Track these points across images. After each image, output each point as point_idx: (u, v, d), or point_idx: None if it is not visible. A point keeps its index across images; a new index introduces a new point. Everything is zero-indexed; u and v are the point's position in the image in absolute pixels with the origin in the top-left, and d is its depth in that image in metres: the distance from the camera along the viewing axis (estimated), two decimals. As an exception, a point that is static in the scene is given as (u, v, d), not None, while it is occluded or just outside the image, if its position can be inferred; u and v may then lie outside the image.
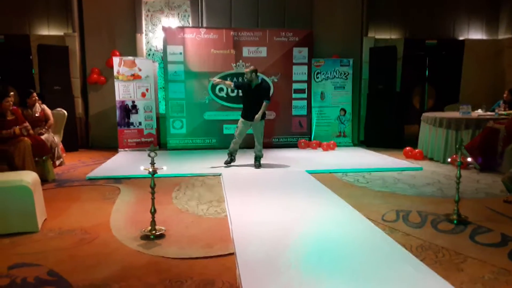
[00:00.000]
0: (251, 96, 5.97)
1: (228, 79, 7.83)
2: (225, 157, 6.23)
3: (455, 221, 3.58)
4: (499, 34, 9.09)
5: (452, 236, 3.28)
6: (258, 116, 5.82)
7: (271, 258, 2.76)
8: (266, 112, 6.12)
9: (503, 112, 6.46)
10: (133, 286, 2.42)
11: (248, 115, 5.96)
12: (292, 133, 8.27)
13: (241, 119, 6.08)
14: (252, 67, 6.00)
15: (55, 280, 2.48)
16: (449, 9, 8.94)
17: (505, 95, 6.88)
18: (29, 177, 3.47)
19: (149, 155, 3.20)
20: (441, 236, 3.28)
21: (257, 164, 6.09)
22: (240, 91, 6.87)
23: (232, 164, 6.20)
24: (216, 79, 6.40)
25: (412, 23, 8.92)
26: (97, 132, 8.39)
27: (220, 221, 3.67)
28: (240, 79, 7.76)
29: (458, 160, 3.63)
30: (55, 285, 2.43)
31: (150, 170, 3.15)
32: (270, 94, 7.09)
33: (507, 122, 5.64)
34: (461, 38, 8.99)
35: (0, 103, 4.97)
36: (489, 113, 6.71)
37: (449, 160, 4.86)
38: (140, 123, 7.82)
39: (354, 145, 8.38)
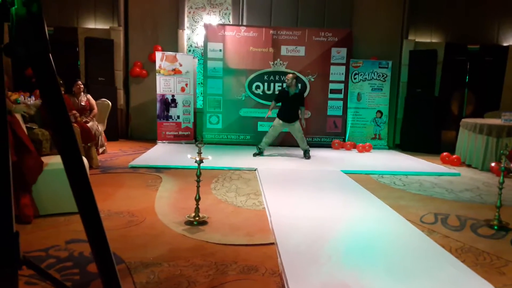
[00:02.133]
0: (289, 103, 6.56)
1: (265, 77, 8.02)
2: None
3: (495, 227, 3.54)
4: (546, 41, 8.80)
5: (493, 241, 3.26)
6: (303, 122, 6.64)
7: (311, 250, 2.84)
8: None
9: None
10: (181, 266, 2.55)
11: (285, 118, 6.57)
12: (326, 133, 8.29)
13: (278, 119, 6.61)
14: (292, 75, 6.59)
15: (109, 256, 2.64)
16: (493, 14, 8.72)
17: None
18: (81, 160, 3.68)
19: (196, 145, 3.33)
20: (481, 240, 3.27)
21: (307, 156, 6.68)
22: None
23: (262, 155, 6.74)
24: (268, 114, 6.85)
25: (454, 27, 8.75)
26: (136, 123, 8.70)
27: (258, 212, 3.77)
28: (275, 85, 8.04)
29: (502, 166, 3.59)
30: (109, 260, 2.59)
31: (197, 159, 3.29)
32: (305, 95, 7.62)
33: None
34: (505, 44, 8.74)
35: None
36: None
37: (492, 164, 4.78)
38: (178, 117, 8.05)
39: (390, 148, 8.32)
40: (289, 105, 6.54)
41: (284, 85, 6.78)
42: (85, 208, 0.82)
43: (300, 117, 6.59)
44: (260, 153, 6.76)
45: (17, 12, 0.67)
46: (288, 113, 6.54)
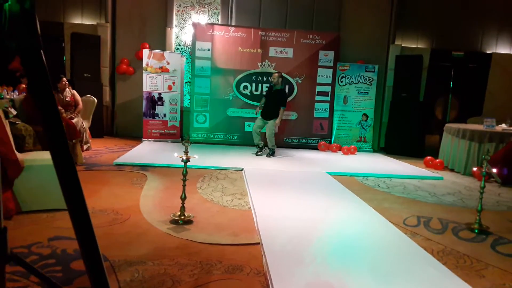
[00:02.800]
0: (270, 99, 6.88)
1: (253, 78, 8.06)
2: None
3: (476, 230, 3.62)
4: (528, 49, 9.02)
5: (473, 244, 3.33)
6: (277, 121, 6.85)
7: (296, 250, 2.86)
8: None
9: (528, 128, 6.43)
10: (166, 265, 2.54)
11: (263, 114, 6.93)
12: (312, 135, 8.34)
13: (259, 117, 6.99)
14: (278, 73, 6.86)
15: (92, 253, 2.62)
16: (478, 22, 8.91)
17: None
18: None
19: (183, 144, 3.33)
20: (462, 243, 3.33)
21: (270, 154, 6.94)
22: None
23: (262, 152, 7.03)
24: (257, 110, 7.12)
25: (440, 33, 8.91)
26: (122, 121, 8.61)
27: (244, 212, 3.78)
28: (262, 86, 8.15)
29: (483, 170, 3.67)
30: (93, 258, 2.56)
31: (184, 158, 3.28)
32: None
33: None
34: (488, 51, 8.94)
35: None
36: (513, 128, 6.69)
37: (474, 169, 4.88)
38: (165, 115, 7.99)
39: (374, 151, 8.41)
40: (271, 102, 6.86)
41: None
42: (74, 204, 0.82)
43: (279, 116, 6.82)
44: (261, 149, 7.00)
45: (10, 8, 0.67)
46: (267, 110, 6.87)
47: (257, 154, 6.94)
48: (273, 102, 6.83)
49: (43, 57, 0.74)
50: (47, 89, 0.75)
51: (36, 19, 0.71)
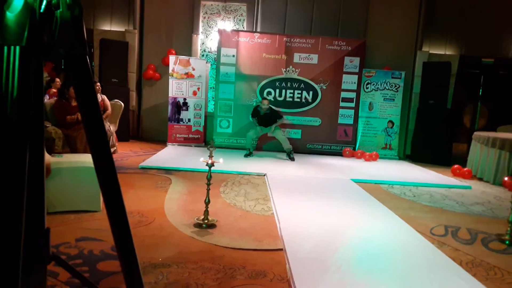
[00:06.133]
0: (263, 120, 7.21)
1: (277, 84, 8.09)
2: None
3: (507, 242, 3.50)
4: (562, 56, 8.72)
5: (504, 256, 3.22)
6: (273, 126, 7.22)
7: (320, 257, 2.83)
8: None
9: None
10: (190, 268, 2.56)
11: (262, 124, 7.29)
12: (336, 141, 8.28)
13: (257, 127, 7.34)
14: (268, 101, 7.17)
15: (118, 255, 2.67)
16: (508, 28, 8.67)
17: None
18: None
19: (208, 149, 3.36)
20: (492, 254, 3.23)
21: (291, 158, 7.14)
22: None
23: (252, 156, 7.30)
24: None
25: (469, 40, 8.72)
26: (147, 125, 8.77)
27: (267, 218, 3.78)
28: (286, 92, 8.19)
29: (515, 180, 3.56)
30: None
31: (209, 162, 3.31)
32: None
33: None
34: (520, 58, 8.69)
35: (68, 90, 5.34)
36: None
37: (505, 179, 4.74)
38: (189, 120, 8.10)
39: (400, 158, 8.28)
40: (264, 123, 7.22)
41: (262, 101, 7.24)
42: (113, 206, 0.85)
43: (277, 123, 7.24)
44: (251, 153, 7.30)
45: (61, 15, 0.70)
46: (263, 123, 7.24)
47: (245, 156, 7.19)
48: (268, 121, 7.18)
49: (89, 64, 0.77)
50: (92, 94, 0.78)
51: (83, 26, 0.74)
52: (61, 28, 0.69)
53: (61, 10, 0.69)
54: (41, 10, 0.68)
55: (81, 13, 0.72)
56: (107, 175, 0.82)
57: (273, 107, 7.37)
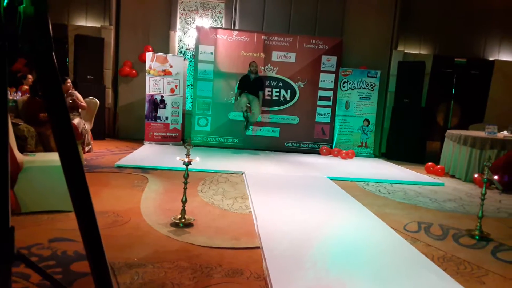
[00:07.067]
0: (253, 86, 7.29)
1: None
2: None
3: (477, 237, 3.61)
4: (531, 57, 9.04)
5: (474, 251, 3.32)
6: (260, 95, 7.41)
7: (297, 255, 2.86)
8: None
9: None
10: (166, 268, 2.54)
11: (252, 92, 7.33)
12: (314, 140, 8.35)
13: (243, 95, 7.30)
14: (255, 62, 7.48)
15: (93, 255, 2.62)
16: (481, 29, 8.93)
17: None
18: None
19: (185, 147, 3.34)
20: (462, 249, 3.33)
21: (247, 126, 7.63)
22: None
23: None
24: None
25: (443, 40, 8.94)
26: (124, 123, 8.63)
27: (244, 216, 3.78)
28: (266, 90, 8.09)
29: (484, 177, 3.67)
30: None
31: (186, 160, 3.28)
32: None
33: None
34: (491, 58, 8.96)
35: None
36: (515, 135, 6.69)
37: (475, 175, 4.88)
38: (166, 118, 8.02)
39: (375, 156, 8.42)
40: (250, 89, 7.27)
41: (251, 75, 7.44)
42: (81, 205, 0.83)
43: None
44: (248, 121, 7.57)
45: (25, 10, 0.68)
46: (253, 89, 7.32)
47: (246, 129, 7.64)
48: (254, 89, 7.28)
49: (55, 60, 0.75)
50: (59, 91, 0.76)
51: (49, 22, 0.73)
52: (24, 24, 0.67)
53: (24, 5, 0.67)
54: (4, 5, 0.66)
55: (46, 8, 0.70)
56: (74, 173, 0.81)
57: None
